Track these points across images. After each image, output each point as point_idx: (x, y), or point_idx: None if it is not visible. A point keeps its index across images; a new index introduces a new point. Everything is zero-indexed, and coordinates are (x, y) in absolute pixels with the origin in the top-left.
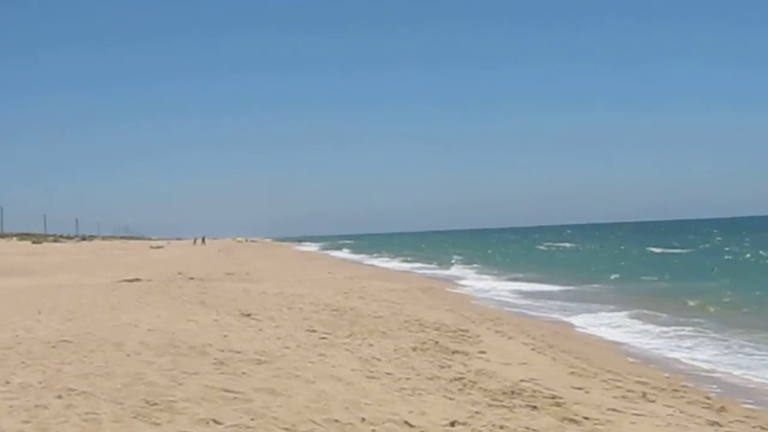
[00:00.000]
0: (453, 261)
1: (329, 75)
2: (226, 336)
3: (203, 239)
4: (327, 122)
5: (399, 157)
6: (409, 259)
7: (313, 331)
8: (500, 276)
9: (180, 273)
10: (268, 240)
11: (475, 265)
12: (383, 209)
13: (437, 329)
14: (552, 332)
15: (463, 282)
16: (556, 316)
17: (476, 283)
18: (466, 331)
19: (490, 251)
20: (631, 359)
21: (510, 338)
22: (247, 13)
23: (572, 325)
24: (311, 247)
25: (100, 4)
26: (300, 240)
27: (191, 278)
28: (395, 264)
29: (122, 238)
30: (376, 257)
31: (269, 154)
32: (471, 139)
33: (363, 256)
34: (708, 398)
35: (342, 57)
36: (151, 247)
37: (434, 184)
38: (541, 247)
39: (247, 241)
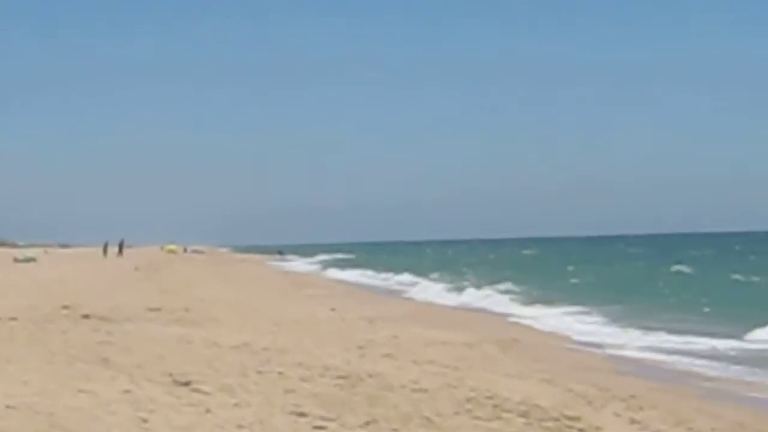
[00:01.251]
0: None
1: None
2: (145, 421)
3: (121, 247)
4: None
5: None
6: (463, 284)
7: (303, 414)
8: (620, 319)
9: (66, 307)
10: (224, 250)
11: (574, 304)
12: (400, 206)
13: (525, 415)
14: (734, 424)
15: (560, 327)
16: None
17: (584, 326)
18: (578, 419)
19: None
20: None
21: None
22: None
23: None
24: (300, 263)
25: None
26: (280, 251)
27: (85, 316)
28: (445, 295)
29: None
30: (409, 282)
31: (220, 118)
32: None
33: (386, 277)
34: None
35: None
36: (17, 260)
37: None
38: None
39: (186, 251)
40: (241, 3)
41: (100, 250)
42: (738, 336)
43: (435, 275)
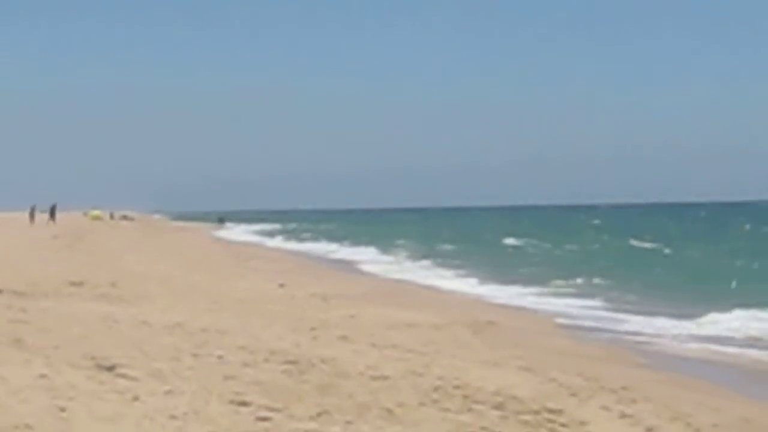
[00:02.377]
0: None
1: None
2: (63, 410)
3: (53, 212)
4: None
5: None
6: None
7: (244, 404)
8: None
9: None
10: (157, 216)
11: (565, 281)
12: (346, 171)
13: (500, 407)
14: (737, 419)
15: (545, 306)
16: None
17: (567, 309)
18: (560, 412)
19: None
20: None
21: (650, 430)
22: None
23: None
24: (242, 232)
25: None
26: (221, 218)
27: None
28: (407, 267)
29: None
30: (363, 251)
31: (160, 71)
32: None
33: (338, 247)
34: None
35: None
36: None
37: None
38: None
39: (113, 217)
40: None
41: (21, 215)
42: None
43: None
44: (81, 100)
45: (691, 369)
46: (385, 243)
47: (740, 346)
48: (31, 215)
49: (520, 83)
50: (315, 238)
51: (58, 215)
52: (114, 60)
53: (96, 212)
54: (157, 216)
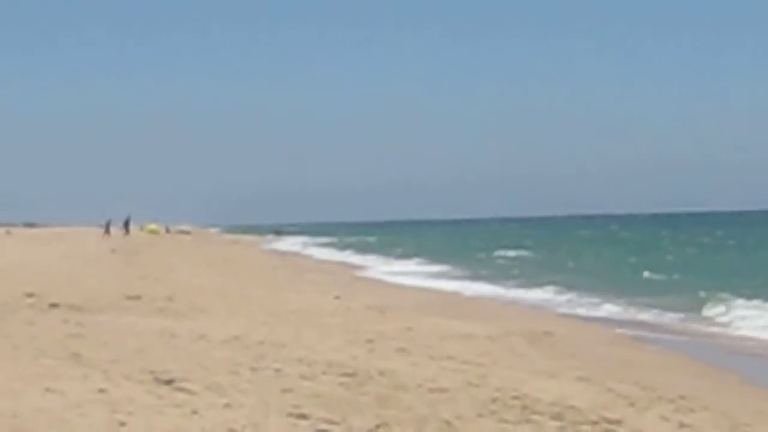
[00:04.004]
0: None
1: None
2: (123, 425)
3: (127, 225)
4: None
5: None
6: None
7: (303, 416)
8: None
9: (31, 294)
10: (213, 230)
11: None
12: (398, 185)
13: (559, 418)
14: None
15: (613, 319)
16: None
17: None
18: (620, 422)
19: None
20: None
21: None
22: None
23: None
24: (299, 245)
25: None
26: (277, 230)
27: (53, 305)
28: (460, 283)
29: None
30: (425, 265)
31: (213, 91)
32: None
33: (401, 262)
34: None
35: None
36: None
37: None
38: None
39: (169, 231)
40: None
41: (88, 230)
42: None
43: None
44: (136, 117)
45: (753, 373)
46: (431, 254)
47: None
48: (107, 229)
49: (516, 94)
50: (372, 251)
51: (113, 230)
52: (168, 76)
53: (152, 226)
54: (212, 230)
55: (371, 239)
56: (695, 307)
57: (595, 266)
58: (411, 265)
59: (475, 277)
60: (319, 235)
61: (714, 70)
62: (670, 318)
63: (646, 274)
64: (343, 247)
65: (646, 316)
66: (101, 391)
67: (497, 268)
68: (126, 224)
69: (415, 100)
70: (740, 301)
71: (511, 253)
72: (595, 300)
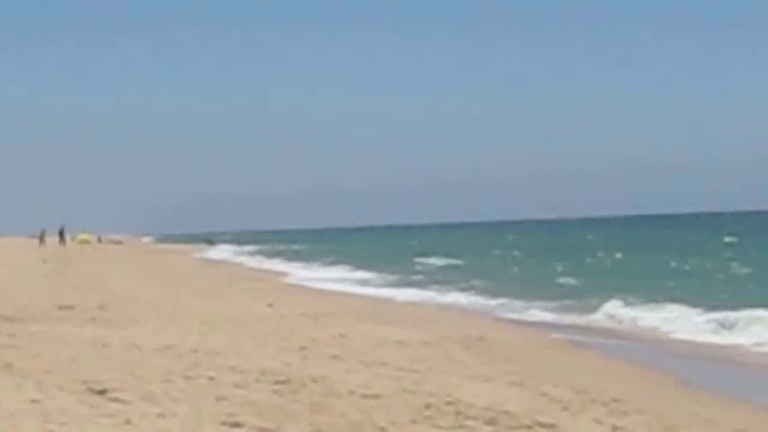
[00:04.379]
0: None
1: None
2: None
3: (62, 234)
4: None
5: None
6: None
7: (237, 425)
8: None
9: None
10: (146, 239)
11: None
12: (333, 191)
13: (492, 423)
14: (732, 431)
15: (546, 322)
16: None
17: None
18: (553, 426)
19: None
20: None
21: None
22: None
23: None
24: (230, 254)
25: None
26: (209, 239)
27: None
28: (396, 290)
29: None
30: (355, 272)
31: (144, 96)
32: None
33: (331, 269)
34: None
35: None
36: None
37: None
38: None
39: (101, 241)
40: None
41: (21, 240)
42: None
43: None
44: (66, 123)
45: (690, 375)
46: (361, 261)
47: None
48: (41, 239)
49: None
50: (301, 258)
51: (48, 239)
52: (97, 82)
53: (84, 236)
54: (145, 239)
55: (299, 247)
56: (589, 310)
57: (521, 272)
58: (341, 272)
59: (406, 284)
60: (250, 243)
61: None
62: (572, 319)
63: (561, 280)
64: (272, 254)
65: (573, 319)
66: (34, 401)
67: (427, 274)
68: (61, 234)
69: (343, 103)
70: (624, 303)
71: (441, 261)
72: (523, 304)
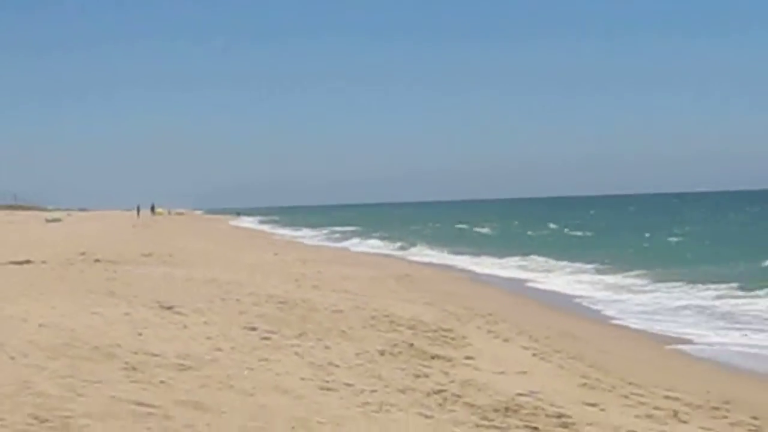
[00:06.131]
0: (424, 240)
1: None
2: (140, 334)
3: (152, 209)
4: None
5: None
6: (382, 237)
7: (253, 328)
8: (501, 260)
9: (83, 253)
10: (198, 212)
11: (467, 248)
12: (341, 178)
13: (413, 328)
14: (560, 333)
15: (454, 266)
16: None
17: (474, 267)
18: (450, 330)
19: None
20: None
21: (506, 340)
22: None
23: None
24: (252, 222)
25: None
26: (238, 212)
27: (97, 260)
28: (364, 247)
29: (9, 208)
30: (344, 236)
31: (194, 108)
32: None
33: (324, 233)
34: (756, 418)
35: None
36: (47, 220)
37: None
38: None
39: (170, 213)
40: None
41: (120, 213)
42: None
43: (358, 232)
44: (153, 138)
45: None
46: (363, 227)
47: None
48: (138, 211)
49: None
50: (301, 225)
51: (123, 213)
52: (180, 118)
53: (160, 210)
54: (198, 211)
55: (301, 218)
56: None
57: (434, 231)
58: (321, 233)
59: (363, 237)
60: (268, 215)
61: None
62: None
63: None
64: (284, 224)
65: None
66: (126, 314)
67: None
68: (152, 208)
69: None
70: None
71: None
72: (434, 252)
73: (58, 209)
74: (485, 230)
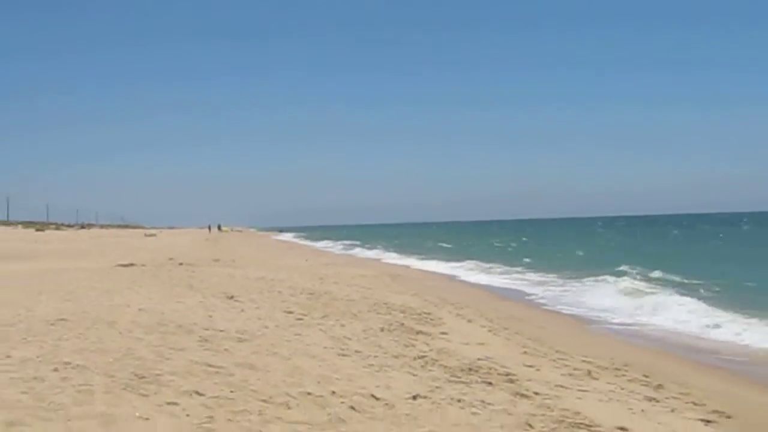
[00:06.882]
0: (424, 251)
1: (324, 76)
2: (210, 316)
3: (219, 226)
4: (316, 120)
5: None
6: (384, 248)
7: (290, 312)
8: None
9: (171, 259)
10: (252, 230)
11: (455, 257)
12: (369, 203)
13: (403, 312)
14: (507, 316)
15: (432, 270)
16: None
17: (446, 271)
18: (430, 313)
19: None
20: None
21: (469, 321)
22: (241, 17)
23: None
24: (289, 237)
25: (96, 9)
26: (280, 229)
27: (180, 264)
28: (371, 254)
29: (118, 226)
30: (352, 247)
31: (252, 148)
32: (452, 138)
33: (340, 245)
34: (647, 376)
35: (338, 62)
36: (146, 235)
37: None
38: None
39: (232, 230)
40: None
41: (197, 230)
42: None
43: (367, 244)
44: (222, 171)
45: (503, 294)
46: (367, 241)
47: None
48: (209, 229)
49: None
50: (327, 239)
51: (195, 230)
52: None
53: (225, 228)
54: (251, 229)
55: (330, 235)
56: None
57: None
58: (337, 244)
59: (364, 247)
60: (299, 232)
61: None
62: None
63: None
64: (315, 239)
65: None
66: (201, 302)
67: (385, 243)
68: (219, 227)
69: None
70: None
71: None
72: (420, 258)
73: (154, 227)
74: (447, 245)
